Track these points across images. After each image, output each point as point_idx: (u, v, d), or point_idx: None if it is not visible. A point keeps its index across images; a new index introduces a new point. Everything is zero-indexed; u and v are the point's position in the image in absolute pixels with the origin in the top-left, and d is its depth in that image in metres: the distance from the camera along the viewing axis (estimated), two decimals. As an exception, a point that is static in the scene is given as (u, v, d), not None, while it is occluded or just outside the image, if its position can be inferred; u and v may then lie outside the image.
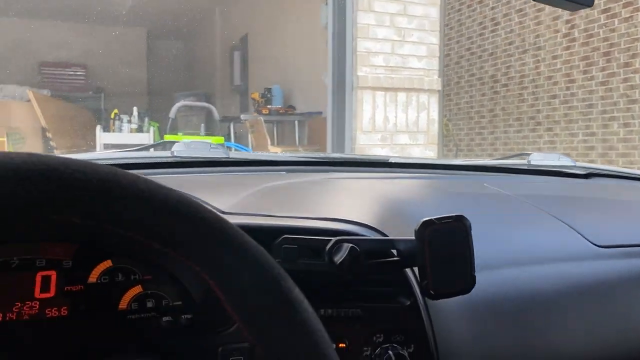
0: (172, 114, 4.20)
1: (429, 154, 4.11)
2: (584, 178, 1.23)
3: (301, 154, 1.36)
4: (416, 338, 0.59)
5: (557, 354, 0.69)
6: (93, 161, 0.37)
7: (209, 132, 5.47)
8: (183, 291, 0.62)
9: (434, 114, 4.10)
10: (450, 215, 0.54)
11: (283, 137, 5.77)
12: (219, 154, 1.03)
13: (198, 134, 5.19)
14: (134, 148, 1.06)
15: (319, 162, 1.14)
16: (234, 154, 1.06)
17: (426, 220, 0.53)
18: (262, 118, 5.03)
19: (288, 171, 1.04)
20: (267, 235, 0.59)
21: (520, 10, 6.40)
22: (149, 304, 0.60)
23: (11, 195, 0.32)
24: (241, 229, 0.61)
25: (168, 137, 4.27)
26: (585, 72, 5.70)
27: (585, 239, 0.82)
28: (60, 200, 0.34)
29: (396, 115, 3.96)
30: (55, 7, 6.86)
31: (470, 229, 0.55)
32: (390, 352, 0.56)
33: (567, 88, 5.90)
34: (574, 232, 0.83)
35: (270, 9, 6.01)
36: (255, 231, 0.61)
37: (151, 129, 5.36)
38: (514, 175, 1.21)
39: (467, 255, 0.55)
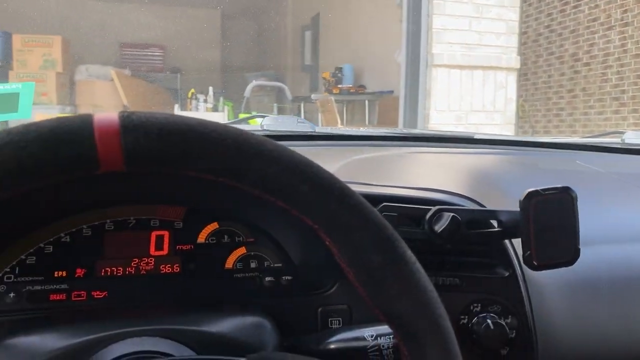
0: (247, 93, 4.29)
1: (506, 134, 3.98)
2: (685, 158, 1.16)
3: (383, 129, 1.36)
4: (514, 309, 0.59)
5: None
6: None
7: (281, 112, 5.55)
8: (283, 254, 0.65)
9: (512, 93, 3.96)
10: (556, 186, 0.54)
11: (353, 116, 5.76)
12: (305, 128, 1.05)
13: (271, 114, 5.28)
14: (226, 121, 1.10)
15: (403, 138, 1.14)
16: (320, 129, 1.08)
17: (531, 191, 0.53)
18: (332, 98, 5.03)
19: (372, 146, 1.05)
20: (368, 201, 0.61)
21: (607, -17, 6.03)
22: (253, 265, 0.64)
23: (156, 150, 0.35)
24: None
25: (242, 115, 4.36)
26: (678, 49, 5.32)
27: None
28: (197, 156, 0.37)
29: (472, 94, 3.86)
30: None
31: (577, 201, 0.54)
32: (488, 320, 0.57)
33: (658, 66, 5.53)
34: None
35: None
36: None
37: (225, 108, 5.50)
38: (605, 153, 1.17)
39: (572, 227, 0.54)
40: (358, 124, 5.52)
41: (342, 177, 0.69)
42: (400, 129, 1.50)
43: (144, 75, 7.55)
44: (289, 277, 0.63)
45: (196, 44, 8.24)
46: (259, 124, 1.03)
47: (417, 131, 1.35)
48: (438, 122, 3.83)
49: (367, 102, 5.44)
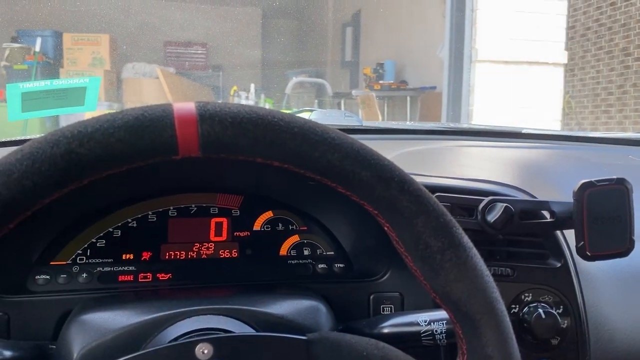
0: (288, 89, 4.34)
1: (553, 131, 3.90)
2: None
3: (431, 124, 1.37)
4: (566, 299, 0.60)
5: None
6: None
7: (322, 108, 5.57)
8: (336, 243, 0.67)
9: (558, 89, 3.88)
10: (611, 177, 0.54)
11: (394, 113, 5.74)
12: (353, 122, 1.07)
13: (311, 110, 5.32)
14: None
15: (450, 132, 1.14)
16: (367, 123, 1.10)
17: (585, 182, 0.53)
18: (373, 93, 5.03)
19: (418, 140, 1.06)
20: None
21: (661, -26, 5.80)
22: (306, 252, 0.66)
23: (229, 137, 0.38)
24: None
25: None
26: None
27: None
28: (266, 143, 0.39)
29: (517, 90, 3.79)
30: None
31: (632, 193, 0.54)
32: (540, 310, 0.57)
33: None
34: None
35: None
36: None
37: (266, 104, 5.56)
38: (661, 149, 1.14)
39: (626, 218, 0.54)
40: (399, 120, 5.50)
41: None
42: (447, 123, 1.50)
43: (188, 73, 7.71)
44: (341, 265, 0.65)
45: (238, 42, 8.36)
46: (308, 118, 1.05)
47: (464, 125, 1.35)
48: (482, 118, 3.78)
49: (408, 98, 5.41)
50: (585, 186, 0.53)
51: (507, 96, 3.79)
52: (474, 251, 0.42)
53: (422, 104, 5.29)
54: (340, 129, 1.04)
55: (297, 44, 9.04)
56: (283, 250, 0.66)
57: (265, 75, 8.68)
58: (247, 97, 5.45)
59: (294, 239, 0.67)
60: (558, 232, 0.61)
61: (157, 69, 5.74)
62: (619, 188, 0.54)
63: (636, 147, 1.14)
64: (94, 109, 0.79)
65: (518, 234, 0.59)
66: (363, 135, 1.06)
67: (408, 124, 1.23)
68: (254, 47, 8.66)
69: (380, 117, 4.95)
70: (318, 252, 0.66)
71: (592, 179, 0.54)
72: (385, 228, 0.46)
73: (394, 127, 1.12)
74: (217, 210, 0.66)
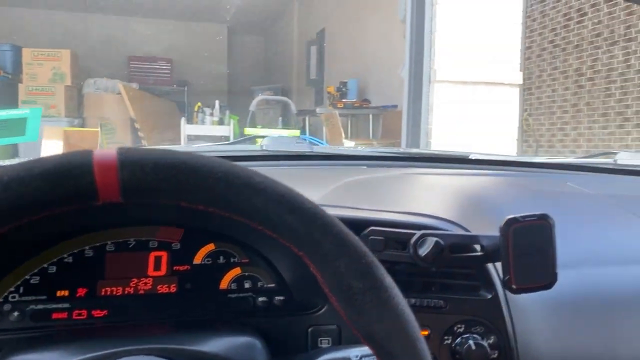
0: (252, 107, 4.34)
1: (509, 150, 4.00)
2: (677, 179, 1.18)
3: (380, 149, 1.39)
4: (496, 330, 0.61)
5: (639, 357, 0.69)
6: (216, 156, 0.43)
7: (286, 126, 5.59)
8: (277, 275, 0.67)
9: (515, 109, 3.99)
10: (535, 213, 0.56)
11: (357, 130, 5.80)
12: (303, 148, 1.08)
13: (275, 127, 5.32)
14: (223, 142, 1.14)
15: (399, 157, 1.17)
16: (317, 148, 1.11)
17: (510, 218, 0.56)
18: (337, 111, 5.08)
19: (368, 166, 1.07)
20: (354, 227, 0.63)
21: (611, -1, 6.06)
22: (247, 285, 0.66)
23: (151, 183, 0.38)
24: (332, 220, 0.66)
25: (247, 131, 4.41)
26: (682, 64, 5.33)
27: None
28: (189, 189, 0.40)
29: (474, 109, 3.89)
30: (143, 4, 7.24)
31: (554, 228, 0.57)
32: (470, 341, 0.59)
33: (661, 82, 5.54)
34: None
35: (347, 3, 6.05)
36: (344, 223, 0.66)
37: (231, 121, 5.55)
38: (598, 174, 1.19)
39: (549, 253, 0.56)
40: (362, 137, 5.56)
41: (335, 200, 0.72)
42: (397, 149, 1.53)
43: (152, 88, 7.63)
44: (282, 298, 0.66)
45: (203, 58, 8.33)
46: (260, 145, 1.06)
47: (413, 151, 1.38)
48: (441, 137, 3.86)
49: (371, 116, 5.49)
50: (510, 222, 0.55)
51: (466, 116, 3.88)
52: (396, 291, 0.44)
53: (385, 122, 5.37)
54: (290, 155, 1.05)
55: (263, 60, 9.08)
56: (224, 284, 0.66)
57: (231, 91, 8.67)
58: (211, 114, 5.42)
59: (236, 271, 0.67)
60: (489, 265, 0.63)
61: (119, 85, 5.66)
62: (542, 223, 0.56)
63: (577, 172, 1.18)
64: (35, 138, 0.79)
65: (450, 267, 0.61)
66: (313, 162, 1.08)
67: (357, 150, 1.25)
68: (219, 63, 8.65)
69: (343, 135, 5.00)
70: (259, 284, 0.67)
71: (517, 215, 0.56)
72: (311, 269, 0.47)
73: (344, 153, 1.14)
74: (156, 243, 0.66)
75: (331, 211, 0.67)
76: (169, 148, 0.44)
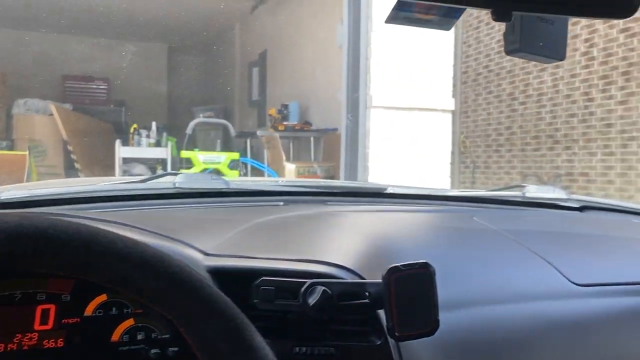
0: (188, 130, 4.29)
1: (442, 173, 4.13)
2: (578, 211, 1.25)
3: (300, 182, 1.40)
4: None
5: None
6: (79, 220, 0.42)
7: (226, 148, 5.55)
8: (171, 325, 0.67)
9: (447, 133, 4.13)
10: (416, 262, 0.58)
11: (299, 153, 5.83)
12: (219, 185, 1.08)
13: (214, 150, 5.28)
14: (138, 179, 1.12)
15: (316, 193, 1.18)
16: (234, 184, 1.11)
17: (392, 267, 0.57)
18: (277, 134, 5.09)
19: (285, 202, 1.08)
20: (246, 276, 0.64)
21: (538, 28, 6.39)
22: (139, 337, 0.65)
23: (6, 252, 0.37)
24: (221, 271, 0.66)
25: (184, 154, 4.36)
26: (604, 91, 5.67)
27: (564, 277, 0.84)
28: (47, 257, 0.39)
29: (410, 134, 3.99)
30: (79, 22, 7.06)
31: (435, 275, 0.59)
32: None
33: (586, 107, 5.87)
34: (554, 270, 0.86)
35: (288, 27, 6.11)
36: (235, 273, 0.66)
37: (168, 143, 5.46)
38: (508, 207, 1.24)
39: (431, 300, 0.58)
40: (304, 159, 5.59)
41: (233, 246, 0.72)
42: (317, 181, 1.55)
43: (87, 108, 7.43)
44: (176, 349, 0.65)
45: (142, 78, 8.19)
46: (172, 183, 1.05)
47: (334, 184, 1.40)
48: (378, 161, 3.93)
49: (312, 138, 5.53)
50: (392, 271, 0.57)
51: (401, 140, 3.98)
52: (266, 351, 0.44)
53: (326, 144, 5.43)
54: (204, 192, 1.04)
55: (205, 81, 9.01)
56: (115, 336, 0.64)
57: (171, 112, 8.55)
58: (147, 136, 5.32)
59: (128, 322, 0.65)
60: (379, 311, 0.65)
61: (50, 105, 5.48)
62: (423, 272, 0.58)
63: (486, 205, 1.23)
64: None
65: (339, 315, 0.62)
66: (230, 199, 1.08)
67: (277, 184, 1.26)
68: (159, 83, 8.53)
69: (284, 158, 5.01)
70: (153, 335, 0.66)
71: (399, 264, 0.58)
72: (180, 330, 0.47)
73: (261, 188, 1.14)
74: (45, 296, 0.64)
75: (224, 261, 0.67)
76: (56, 217, 0.43)
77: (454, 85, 7.20)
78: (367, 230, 0.88)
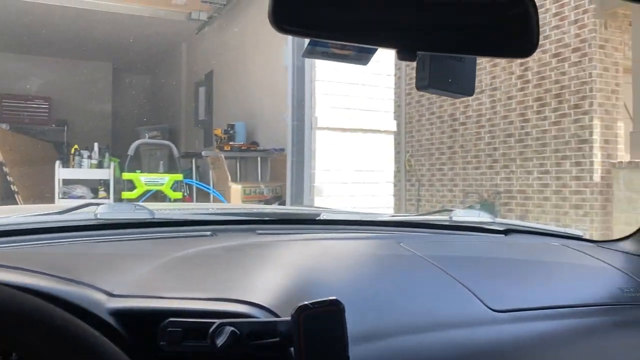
0: (130, 151, 4.19)
1: (386, 192, 4.19)
2: (503, 234, 1.29)
3: (231, 210, 1.39)
4: None
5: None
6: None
7: (172, 168, 5.45)
8: None
9: (390, 154, 4.20)
10: (326, 299, 0.58)
11: (246, 173, 5.79)
12: (143, 215, 1.05)
13: (157, 171, 5.18)
14: (58, 209, 1.08)
15: (247, 221, 1.17)
16: (161, 214, 1.09)
17: (301, 305, 0.57)
18: (222, 155, 5.05)
19: (213, 231, 1.06)
20: (153, 318, 0.62)
21: (477, 52, 6.63)
22: None
23: None
24: (126, 313, 0.64)
25: (126, 175, 4.25)
26: (538, 112, 5.92)
27: (483, 303, 0.86)
28: None
29: (354, 154, 4.04)
30: (21, 39, 6.83)
31: (344, 312, 0.59)
32: None
33: (522, 127, 6.11)
34: (474, 296, 0.88)
35: (234, 47, 6.11)
36: (141, 315, 0.64)
37: (111, 164, 5.32)
38: (436, 231, 1.27)
39: (340, 337, 0.58)
40: (251, 180, 5.56)
41: (145, 284, 0.71)
42: (249, 208, 1.53)
43: (27, 128, 7.16)
44: None
45: (86, 97, 7.98)
46: (94, 214, 1.01)
47: (266, 210, 1.39)
48: (323, 181, 3.96)
49: (259, 159, 5.51)
50: (301, 309, 0.57)
51: (346, 161, 4.02)
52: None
53: (273, 165, 5.42)
54: (127, 223, 1.00)
55: (151, 100, 8.86)
56: None
57: (115, 132, 8.34)
58: (89, 156, 5.17)
59: None
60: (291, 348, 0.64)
61: (-15, 126, 5.25)
62: (333, 309, 0.59)
63: (415, 229, 1.25)
64: None
65: (249, 356, 0.61)
66: (155, 229, 1.05)
67: (206, 212, 1.24)
68: (103, 103, 8.33)
69: (229, 179, 4.97)
70: None
71: (308, 302, 0.58)
72: None
73: (188, 218, 1.12)
74: None
75: (131, 302, 0.65)
76: None
77: (399, 106, 7.38)
78: (292, 262, 0.87)
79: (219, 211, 1.28)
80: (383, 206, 4.13)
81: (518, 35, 0.63)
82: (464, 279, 0.93)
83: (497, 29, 0.63)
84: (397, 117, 6.01)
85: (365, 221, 1.26)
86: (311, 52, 0.78)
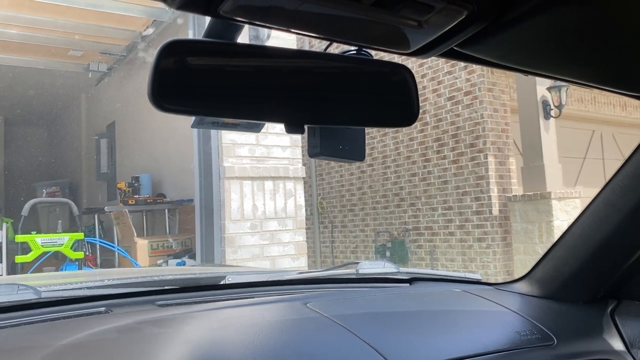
0: (24, 211, 3.91)
1: (299, 238, 4.18)
2: (408, 283, 1.31)
3: (128, 279, 1.32)
4: None
5: None
6: None
7: (70, 227, 5.14)
8: None
9: (301, 200, 4.22)
10: None
11: (153, 227, 5.58)
12: (28, 296, 0.97)
13: (55, 231, 4.86)
14: None
15: (145, 292, 1.11)
16: (48, 293, 1.01)
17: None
18: (126, 209, 4.84)
19: (108, 307, 1.00)
20: None
21: (379, 96, 6.92)
22: None
23: None
24: None
25: (20, 237, 3.95)
26: (438, 151, 6.24)
27: (385, 359, 0.87)
28: None
29: (264, 203, 4.02)
30: None
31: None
32: None
33: (424, 166, 6.40)
34: (378, 354, 0.88)
35: (136, 98, 5.96)
36: None
37: (4, 225, 4.92)
38: (343, 286, 1.27)
39: None
40: (158, 234, 5.36)
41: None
42: (148, 274, 1.47)
43: None
44: None
45: (-27, 153, 7.42)
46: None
47: (168, 277, 1.33)
48: (234, 231, 3.89)
49: (167, 211, 5.34)
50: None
51: (257, 209, 3.99)
52: None
53: (181, 216, 5.27)
54: (9, 307, 0.92)
55: (48, 154, 8.39)
56: None
57: (8, 188, 7.79)
58: (-23, 219, 4.75)
59: None
60: None
61: None
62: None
63: (323, 285, 1.25)
64: None
65: None
66: (42, 310, 0.97)
67: (99, 286, 1.16)
68: (-7, 158, 7.78)
69: (135, 234, 4.76)
70: None
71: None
72: None
73: (79, 294, 1.04)
74: None
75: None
76: None
77: (308, 150, 7.47)
78: (192, 339, 0.83)
79: (115, 281, 1.20)
80: (296, 253, 4.12)
81: (399, 107, 0.66)
82: (369, 337, 0.93)
83: (379, 101, 0.65)
84: (307, 161, 6.09)
85: (271, 282, 1.23)
86: (200, 123, 0.76)
